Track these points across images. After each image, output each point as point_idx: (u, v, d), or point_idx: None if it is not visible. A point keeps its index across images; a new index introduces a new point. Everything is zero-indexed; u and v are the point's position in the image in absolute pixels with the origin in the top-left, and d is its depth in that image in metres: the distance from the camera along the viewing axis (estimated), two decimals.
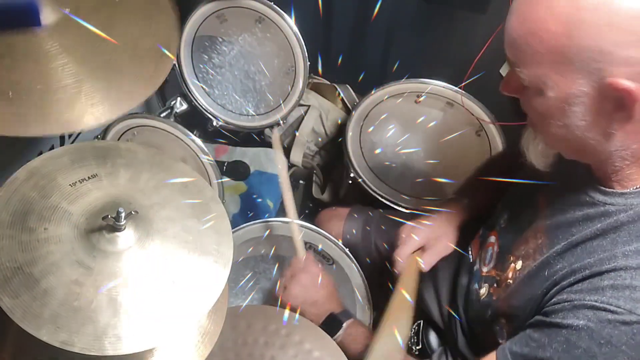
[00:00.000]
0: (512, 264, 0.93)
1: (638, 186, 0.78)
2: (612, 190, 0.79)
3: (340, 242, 1.31)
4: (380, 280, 1.34)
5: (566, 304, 0.77)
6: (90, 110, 0.82)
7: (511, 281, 0.92)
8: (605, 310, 0.73)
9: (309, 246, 1.33)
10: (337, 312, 1.12)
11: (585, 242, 0.80)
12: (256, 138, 1.88)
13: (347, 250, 1.31)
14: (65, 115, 0.81)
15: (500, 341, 0.92)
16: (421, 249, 1.17)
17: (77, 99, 0.82)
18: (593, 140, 0.74)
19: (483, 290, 1.01)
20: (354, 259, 1.31)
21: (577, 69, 0.67)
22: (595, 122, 0.72)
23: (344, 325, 1.09)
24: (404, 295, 1.08)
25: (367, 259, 1.34)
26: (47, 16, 0.83)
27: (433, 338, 1.26)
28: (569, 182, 0.84)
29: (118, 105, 0.85)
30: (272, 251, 1.34)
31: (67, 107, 0.81)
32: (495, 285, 0.98)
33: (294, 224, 1.22)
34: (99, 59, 0.87)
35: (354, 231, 1.37)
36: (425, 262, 1.14)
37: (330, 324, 1.09)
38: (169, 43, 0.94)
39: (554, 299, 0.80)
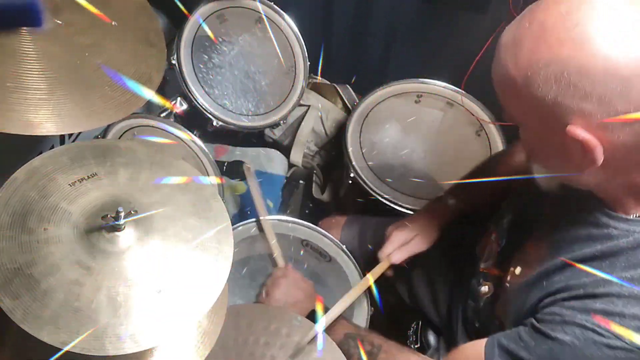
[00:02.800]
0: (512, 268, 0.94)
1: (639, 214, 0.79)
2: (616, 214, 0.80)
3: (338, 241, 1.32)
4: (377, 284, 1.35)
5: (557, 317, 0.80)
6: (54, 118, 0.83)
7: (508, 285, 0.94)
8: (593, 331, 0.76)
9: (306, 243, 1.34)
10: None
11: (584, 262, 0.81)
12: (256, 138, 1.88)
13: (343, 247, 1.32)
14: (27, 116, 0.81)
15: None
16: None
17: (44, 104, 0.83)
18: (573, 176, 0.78)
19: (485, 289, 1.02)
20: (350, 255, 1.32)
21: (542, 115, 0.71)
22: (568, 161, 0.74)
23: (323, 319, 1.13)
24: (368, 278, 1.20)
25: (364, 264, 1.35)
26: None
27: (431, 337, 1.27)
28: (577, 198, 0.85)
29: (83, 121, 0.86)
30: (269, 250, 1.34)
31: (31, 110, 0.82)
32: (494, 284, 0.99)
33: (271, 236, 1.30)
34: (78, 73, 0.88)
35: (351, 239, 1.40)
36: (394, 257, 1.21)
37: (313, 320, 1.12)
38: (152, 76, 0.96)
39: (547, 309, 0.82)
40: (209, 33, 1.50)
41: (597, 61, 0.64)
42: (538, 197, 0.93)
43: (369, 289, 1.31)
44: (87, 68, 0.89)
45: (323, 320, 1.08)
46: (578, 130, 0.68)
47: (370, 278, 1.20)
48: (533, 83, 0.69)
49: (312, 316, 1.13)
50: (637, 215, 0.79)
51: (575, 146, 0.70)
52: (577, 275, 0.81)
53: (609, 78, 0.64)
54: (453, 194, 1.26)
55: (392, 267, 1.23)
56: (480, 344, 0.88)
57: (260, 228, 1.32)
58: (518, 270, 0.93)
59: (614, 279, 0.77)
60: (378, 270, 1.21)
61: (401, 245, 1.22)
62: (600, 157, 0.70)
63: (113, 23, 0.94)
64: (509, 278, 0.94)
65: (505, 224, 1.04)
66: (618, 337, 0.74)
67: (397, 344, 1.07)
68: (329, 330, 1.09)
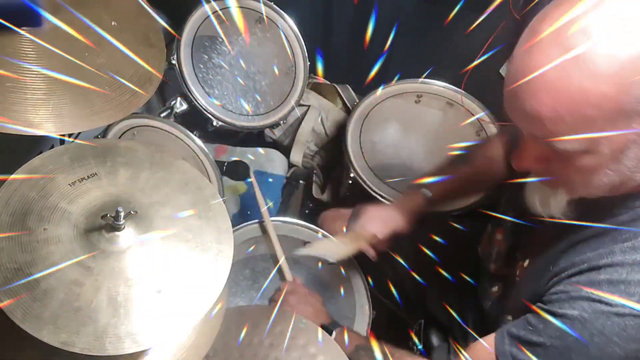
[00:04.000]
0: (520, 262, 0.95)
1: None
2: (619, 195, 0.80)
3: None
4: (381, 280, 1.35)
5: (563, 294, 0.80)
6: (53, 118, 0.83)
7: (518, 279, 0.94)
8: (600, 302, 0.76)
9: (308, 245, 1.34)
10: (327, 323, 1.17)
11: (587, 239, 0.82)
12: (256, 138, 1.88)
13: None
14: (26, 115, 0.81)
15: None
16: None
17: (44, 104, 0.83)
18: (618, 178, 0.74)
19: (495, 289, 1.02)
20: (353, 258, 1.31)
21: (632, 116, 0.67)
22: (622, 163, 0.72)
23: (334, 333, 1.15)
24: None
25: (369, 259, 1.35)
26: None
27: (434, 338, 1.26)
28: (588, 212, 0.84)
29: (82, 121, 0.86)
30: (271, 251, 1.34)
31: (31, 109, 0.82)
32: (505, 283, 0.99)
33: (279, 251, 1.29)
34: (78, 73, 0.88)
35: None
36: (378, 231, 1.20)
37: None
38: (151, 77, 0.95)
39: (553, 289, 0.83)
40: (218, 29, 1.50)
41: None
42: None
43: (369, 291, 1.31)
44: (86, 68, 0.89)
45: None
46: None
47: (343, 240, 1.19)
48: (631, 86, 0.64)
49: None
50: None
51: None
52: (581, 252, 0.81)
53: None
54: (425, 184, 1.26)
55: (376, 250, 1.22)
56: (490, 338, 0.89)
57: (264, 230, 1.32)
58: (526, 262, 0.94)
59: (616, 250, 0.77)
60: (353, 236, 1.20)
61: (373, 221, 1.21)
62: None
63: (113, 23, 0.94)
64: (518, 272, 0.95)
65: (510, 222, 1.04)
66: (625, 304, 0.74)
67: (409, 353, 1.07)
68: (340, 342, 1.10)
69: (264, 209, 1.35)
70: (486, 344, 0.89)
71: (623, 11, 0.63)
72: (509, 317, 0.96)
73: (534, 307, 0.85)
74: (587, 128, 0.68)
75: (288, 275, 1.28)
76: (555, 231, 0.88)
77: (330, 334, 1.14)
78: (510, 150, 1.18)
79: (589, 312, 0.76)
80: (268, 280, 1.32)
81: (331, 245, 1.19)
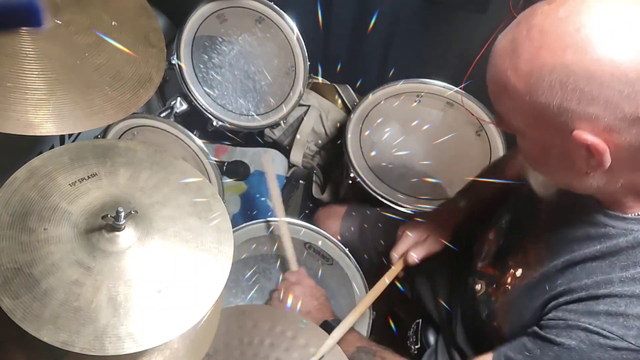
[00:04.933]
0: (512, 270, 0.94)
1: (638, 213, 0.78)
2: (614, 213, 0.80)
3: (339, 242, 1.32)
4: (378, 278, 1.35)
5: (561, 322, 0.80)
6: (54, 118, 0.83)
7: (509, 287, 0.93)
8: (598, 334, 0.75)
9: (308, 246, 1.34)
10: (330, 319, 1.16)
11: (585, 262, 0.81)
12: (257, 138, 1.88)
13: (346, 250, 1.31)
14: (27, 117, 0.81)
15: (495, 341, 0.93)
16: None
17: (44, 104, 0.83)
18: (575, 179, 0.76)
19: (479, 287, 1.02)
20: (353, 259, 1.31)
21: (545, 122, 0.70)
22: (571, 167, 0.73)
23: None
24: (385, 280, 1.17)
25: (365, 256, 1.35)
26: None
27: (431, 336, 1.26)
28: (573, 197, 0.84)
29: (83, 121, 0.87)
30: (273, 251, 1.34)
31: (31, 110, 0.82)
32: (494, 286, 0.98)
33: (286, 238, 1.27)
34: (78, 73, 0.88)
35: (352, 229, 1.38)
36: (411, 258, 1.17)
37: (324, 330, 1.11)
38: (152, 76, 0.95)
39: (551, 314, 0.82)
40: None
41: (603, 65, 0.64)
42: (533, 199, 0.93)
43: (368, 290, 1.31)
44: (87, 68, 0.89)
45: (338, 331, 1.07)
46: (585, 135, 0.67)
47: (387, 280, 1.17)
48: (537, 90, 0.68)
49: (323, 326, 1.12)
50: (636, 214, 0.78)
51: (579, 152, 0.70)
52: (578, 276, 0.81)
53: (615, 81, 0.64)
54: (464, 195, 1.25)
55: (405, 267, 1.21)
56: (486, 358, 0.88)
57: (268, 228, 1.32)
58: (519, 272, 0.93)
59: (615, 279, 0.77)
60: (394, 271, 1.18)
61: (415, 244, 1.18)
62: (607, 160, 0.69)
63: (113, 23, 0.94)
64: (509, 280, 0.94)
65: (504, 224, 1.04)
66: (622, 338, 0.74)
67: (394, 353, 1.07)
68: (341, 342, 1.09)
69: (276, 196, 1.33)
70: None
71: (562, 22, 0.66)
72: (495, 324, 0.96)
73: (530, 330, 0.84)
74: (509, 114, 0.75)
75: (294, 265, 1.26)
76: (550, 245, 0.88)
77: (332, 330, 1.12)
78: None
79: (587, 344, 0.76)
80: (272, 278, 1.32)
81: (363, 306, 1.16)
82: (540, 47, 0.67)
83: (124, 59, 0.94)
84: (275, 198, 1.33)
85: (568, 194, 0.82)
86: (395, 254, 1.19)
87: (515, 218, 1.02)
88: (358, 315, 1.13)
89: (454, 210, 1.23)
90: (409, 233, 1.19)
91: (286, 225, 1.29)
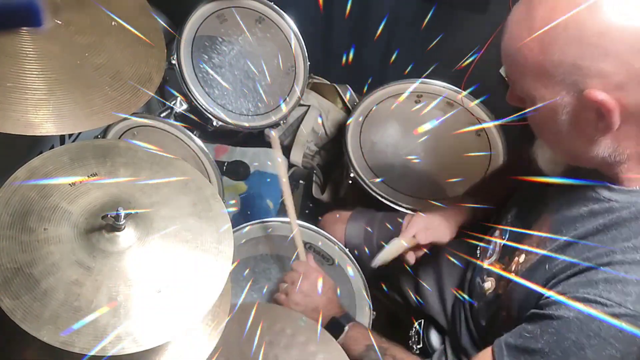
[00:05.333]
0: (516, 258, 0.94)
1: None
2: (618, 187, 0.81)
3: (340, 243, 1.32)
4: (381, 280, 1.35)
5: (560, 296, 0.79)
6: (54, 119, 0.83)
7: (513, 275, 0.93)
8: (596, 302, 0.75)
9: (309, 246, 1.33)
10: (339, 316, 1.14)
11: (587, 237, 0.81)
12: (256, 138, 1.88)
13: (347, 250, 1.31)
14: (27, 117, 0.81)
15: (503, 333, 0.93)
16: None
17: (44, 104, 0.83)
18: (583, 147, 0.78)
19: (488, 285, 1.02)
20: (354, 259, 1.31)
21: (557, 82, 0.73)
22: (581, 131, 0.76)
23: (346, 328, 1.11)
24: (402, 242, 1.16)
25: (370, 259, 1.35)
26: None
27: (434, 337, 1.26)
28: (578, 175, 0.85)
29: (83, 121, 0.86)
30: (272, 251, 1.34)
31: (32, 110, 0.82)
32: (498, 278, 0.99)
33: (295, 227, 1.24)
34: (78, 73, 0.88)
35: (357, 233, 1.38)
36: (421, 236, 1.16)
37: (333, 328, 1.11)
38: (152, 76, 0.96)
39: (550, 292, 0.82)
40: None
41: (614, 19, 0.67)
42: (541, 189, 0.93)
43: (369, 291, 1.31)
44: (87, 68, 0.89)
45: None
46: (596, 93, 0.69)
47: (404, 243, 1.15)
48: (551, 48, 0.71)
49: (332, 324, 1.11)
50: (639, 187, 0.79)
51: (589, 113, 0.72)
52: (580, 252, 0.81)
53: (626, 35, 0.67)
54: (471, 194, 1.26)
55: (415, 255, 1.19)
56: (487, 352, 0.88)
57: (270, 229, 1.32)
58: (522, 258, 0.93)
59: (617, 250, 0.76)
60: (408, 243, 1.16)
61: (425, 229, 1.17)
62: (617, 121, 0.71)
63: (113, 23, 0.94)
64: (513, 268, 0.94)
65: (510, 218, 1.04)
66: (620, 304, 0.73)
67: (419, 359, 1.07)
68: (350, 341, 1.08)
69: (284, 181, 1.33)
70: (484, 357, 0.88)
71: None
72: (504, 313, 0.95)
73: (530, 313, 0.84)
74: (522, 77, 0.77)
75: (302, 254, 1.23)
76: (554, 226, 0.88)
77: (343, 328, 1.11)
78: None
79: (585, 314, 0.75)
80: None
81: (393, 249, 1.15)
82: (554, 7, 0.70)
83: (124, 59, 0.94)
84: (288, 199, 1.30)
85: (574, 171, 0.84)
86: (405, 235, 1.17)
87: (521, 211, 1.02)
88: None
89: (460, 207, 1.23)
90: (417, 218, 1.19)
91: (294, 210, 1.27)
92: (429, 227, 1.18)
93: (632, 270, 0.74)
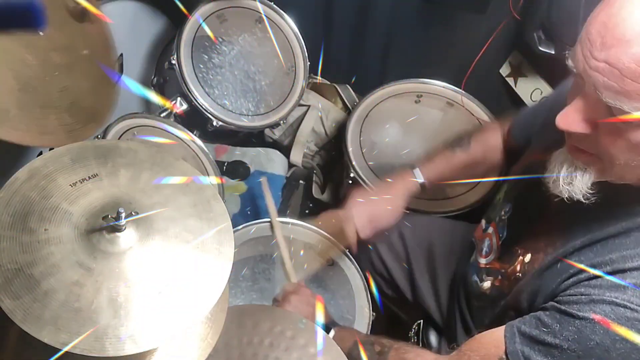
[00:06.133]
0: (520, 257, 0.93)
1: None
2: None
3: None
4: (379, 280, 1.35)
5: (583, 297, 0.78)
6: (8, 124, 0.83)
7: (520, 274, 0.92)
8: (625, 307, 0.74)
9: (309, 246, 1.34)
10: (326, 322, 1.18)
11: (607, 239, 0.80)
12: (256, 138, 1.88)
13: (346, 250, 1.31)
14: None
15: None
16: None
17: (3, 108, 0.83)
18: (632, 168, 0.73)
19: (487, 284, 1.01)
20: (353, 259, 1.31)
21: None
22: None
23: (332, 331, 1.15)
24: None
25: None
26: None
27: (433, 337, 1.27)
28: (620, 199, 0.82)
29: (35, 136, 0.86)
30: (271, 251, 1.34)
31: None
32: (500, 277, 0.98)
33: (285, 252, 1.29)
34: (44, 89, 0.88)
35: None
36: (364, 233, 1.22)
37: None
38: (102, 116, 0.95)
39: (571, 290, 0.80)
40: (209, 33, 1.50)
41: None
42: (540, 185, 0.90)
43: (371, 292, 1.31)
44: (53, 86, 0.88)
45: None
46: None
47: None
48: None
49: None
50: None
51: None
52: (600, 253, 0.79)
53: None
54: (421, 166, 1.27)
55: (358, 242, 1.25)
56: (497, 332, 0.87)
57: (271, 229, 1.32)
58: (528, 257, 0.92)
59: None
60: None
61: (369, 222, 1.21)
62: None
63: (85, 51, 0.94)
64: (518, 267, 0.93)
65: (505, 215, 1.03)
66: None
67: (407, 343, 1.07)
68: (338, 340, 1.09)
69: (273, 213, 1.35)
70: (494, 337, 0.87)
71: None
72: (512, 313, 0.95)
73: (547, 305, 0.83)
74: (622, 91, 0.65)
75: (293, 277, 1.28)
76: (564, 226, 0.86)
77: (329, 332, 1.14)
78: (510, 141, 1.19)
79: (612, 317, 0.74)
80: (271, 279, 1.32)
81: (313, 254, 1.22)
82: None
83: (87, 89, 0.93)
84: (273, 215, 1.35)
85: (615, 194, 0.78)
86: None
87: (518, 206, 1.01)
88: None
89: (409, 182, 1.25)
90: (360, 202, 1.22)
91: (284, 239, 1.30)
92: (372, 220, 1.20)
93: None
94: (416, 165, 1.26)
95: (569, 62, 0.72)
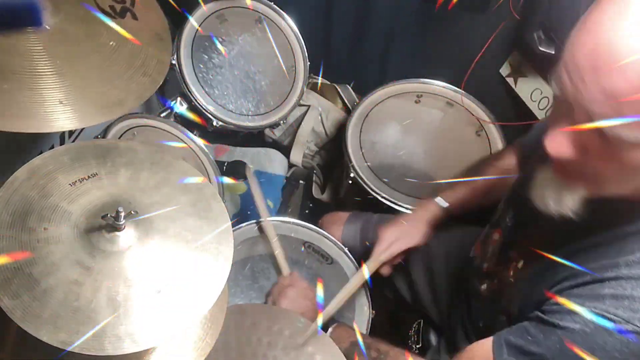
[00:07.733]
0: (514, 262, 0.94)
1: None
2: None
3: (338, 242, 1.32)
4: (378, 280, 1.35)
5: (564, 306, 0.78)
6: (68, 114, 0.84)
7: (512, 279, 0.93)
8: (602, 317, 0.74)
9: (308, 245, 1.34)
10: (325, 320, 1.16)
11: (591, 248, 0.80)
12: (256, 138, 1.88)
13: (346, 249, 1.31)
14: (41, 114, 0.83)
15: None
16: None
17: (53, 100, 0.84)
18: (624, 181, 0.72)
19: (484, 287, 1.02)
20: (352, 258, 1.31)
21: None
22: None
23: (330, 329, 1.14)
24: (363, 270, 1.21)
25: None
26: None
27: (433, 337, 1.27)
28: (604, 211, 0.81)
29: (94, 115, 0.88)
30: (271, 251, 1.34)
31: (43, 107, 0.83)
32: (497, 282, 0.98)
33: (275, 244, 1.29)
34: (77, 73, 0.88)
35: (354, 233, 1.39)
36: (383, 256, 1.22)
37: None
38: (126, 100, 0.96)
39: (554, 300, 0.81)
40: (195, 25, 1.50)
41: None
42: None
43: (370, 291, 1.31)
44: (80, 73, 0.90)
45: (321, 316, 1.09)
46: None
47: (365, 270, 1.21)
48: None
49: None
50: None
51: None
52: (584, 262, 0.79)
53: None
54: (443, 194, 1.28)
55: (390, 265, 1.25)
56: (486, 344, 0.88)
57: (261, 230, 1.32)
58: (521, 263, 0.93)
59: (621, 263, 0.76)
60: (372, 265, 1.22)
61: (396, 239, 1.23)
62: None
63: (111, 43, 0.95)
64: (511, 272, 0.94)
65: (509, 221, 1.04)
66: (628, 321, 0.73)
67: (403, 351, 1.07)
68: (334, 339, 1.09)
69: (260, 202, 1.35)
70: (483, 349, 0.88)
71: None
72: (503, 317, 0.95)
73: (532, 315, 0.84)
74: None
75: (285, 269, 1.28)
76: (554, 236, 0.87)
77: (326, 329, 1.14)
78: (524, 161, 1.19)
79: (591, 327, 0.75)
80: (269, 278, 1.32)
81: (345, 293, 1.20)
82: None
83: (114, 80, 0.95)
84: (261, 208, 1.36)
85: (600, 206, 0.76)
86: (374, 253, 1.23)
87: (518, 213, 1.02)
88: (339, 303, 1.17)
89: (433, 208, 1.27)
90: (384, 233, 1.24)
91: (272, 228, 1.30)
92: (399, 237, 1.22)
93: (638, 287, 0.74)
94: (438, 194, 1.28)
95: (553, 87, 0.69)
